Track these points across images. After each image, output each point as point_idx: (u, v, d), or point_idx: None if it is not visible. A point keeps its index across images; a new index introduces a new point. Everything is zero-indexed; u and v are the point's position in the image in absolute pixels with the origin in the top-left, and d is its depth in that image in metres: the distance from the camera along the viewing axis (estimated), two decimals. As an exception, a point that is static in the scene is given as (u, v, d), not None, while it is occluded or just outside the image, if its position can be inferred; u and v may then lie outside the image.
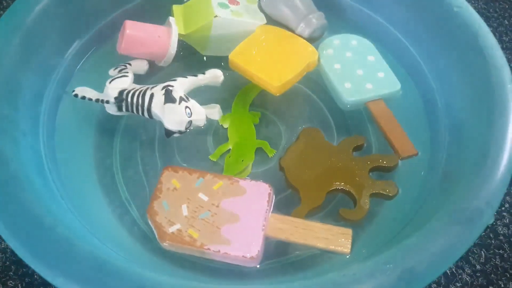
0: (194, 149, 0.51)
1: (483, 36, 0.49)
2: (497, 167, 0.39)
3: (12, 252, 0.48)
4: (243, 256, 0.40)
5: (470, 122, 0.47)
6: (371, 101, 0.52)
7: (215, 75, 0.53)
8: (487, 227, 0.52)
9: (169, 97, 0.46)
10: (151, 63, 0.55)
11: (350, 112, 0.54)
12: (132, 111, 0.49)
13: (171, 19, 0.54)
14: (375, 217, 0.46)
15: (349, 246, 0.41)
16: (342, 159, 0.48)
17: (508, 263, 0.50)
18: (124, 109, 0.49)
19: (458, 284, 0.49)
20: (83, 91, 0.49)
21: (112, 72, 0.51)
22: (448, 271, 0.49)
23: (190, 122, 0.48)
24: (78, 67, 0.56)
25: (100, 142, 0.51)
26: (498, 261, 0.50)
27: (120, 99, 0.48)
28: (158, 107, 0.47)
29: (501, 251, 0.51)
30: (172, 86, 0.48)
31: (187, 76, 0.51)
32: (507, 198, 0.54)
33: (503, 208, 0.54)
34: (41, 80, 0.51)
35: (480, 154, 0.41)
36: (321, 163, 0.48)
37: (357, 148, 0.50)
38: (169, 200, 0.43)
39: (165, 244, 0.41)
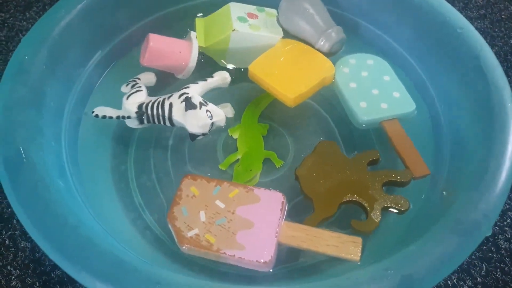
0: (204, 158, 0.53)
1: (485, 56, 0.51)
2: (496, 181, 0.41)
3: (31, 251, 0.50)
4: (257, 261, 0.42)
5: (471, 138, 0.48)
6: (386, 121, 0.53)
7: (223, 77, 0.56)
8: (489, 240, 0.53)
9: (190, 104, 0.49)
10: (158, 75, 0.57)
11: (357, 129, 0.55)
12: (154, 122, 0.51)
13: (192, 33, 0.57)
14: (380, 227, 0.48)
15: (359, 253, 0.42)
16: (357, 172, 0.49)
17: (509, 276, 0.51)
18: (145, 121, 0.51)
19: (459, 296, 0.49)
20: (102, 110, 0.51)
21: (124, 88, 0.54)
22: (449, 283, 0.50)
23: (212, 124, 0.50)
24: (99, 78, 0.59)
25: (117, 150, 0.54)
26: (499, 275, 0.51)
27: (140, 113, 0.50)
28: (179, 115, 0.50)
29: (502, 265, 0.51)
30: (188, 93, 0.51)
31: (198, 82, 0.54)
32: (509, 213, 0.55)
33: (505, 223, 0.55)
34: (65, 89, 0.54)
35: (480, 169, 0.43)
36: (336, 175, 0.49)
37: (372, 163, 0.51)
38: (188, 206, 0.46)
39: (184, 248, 0.44)
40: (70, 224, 0.39)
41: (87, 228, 0.39)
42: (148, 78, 0.56)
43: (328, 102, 0.58)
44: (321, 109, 0.58)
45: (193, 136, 0.50)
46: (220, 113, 0.52)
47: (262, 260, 0.42)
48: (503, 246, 0.53)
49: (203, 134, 0.51)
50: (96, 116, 0.51)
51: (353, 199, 0.47)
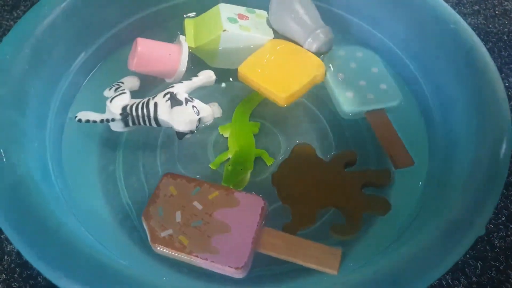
0: (194, 158, 0.52)
1: (477, 52, 0.50)
2: (489, 181, 0.40)
3: (17, 254, 0.49)
4: (229, 266, 0.41)
5: (464, 135, 0.47)
6: (371, 112, 0.52)
7: (208, 75, 0.55)
8: (483, 239, 0.52)
9: (175, 101, 0.48)
10: (143, 79, 0.56)
11: (348, 124, 0.55)
12: (139, 123, 0.50)
13: (181, 37, 0.56)
14: (371, 228, 0.47)
15: (337, 266, 0.41)
16: (334, 175, 0.48)
17: (504, 275, 0.50)
18: (130, 123, 0.50)
19: (453, 296, 0.49)
20: (85, 115, 0.50)
21: (107, 93, 0.52)
22: (444, 282, 0.49)
23: (199, 120, 0.49)
24: (84, 79, 0.58)
25: (104, 151, 0.53)
26: (494, 273, 0.50)
27: (125, 114, 0.49)
28: (165, 114, 0.49)
29: (497, 264, 0.51)
30: (173, 91, 0.50)
31: (183, 81, 0.53)
32: (504, 211, 0.55)
33: (499, 221, 0.54)
34: (49, 89, 0.52)
35: (473, 167, 0.42)
36: (313, 180, 0.48)
37: (350, 163, 0.50)
38: (164, 206, 0.45)
39: (156, 248, 0.43)
40: (51, 228, 0.38)
41: (69, 232, 0.38)
42: (131, 82, 0.54)
43: (319, 99, 0.57)
44: (313, 107, 0.57)
45: (180, 135, 0.49)
46: (207, 109, 0.51)
47: (234, 266, 0.41)
48: (498, 245, 0.52)
49: (191, 132, 0.50)
50: (79, 120, 0.50)
51: (332, 205, 0.46)
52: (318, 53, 0.57)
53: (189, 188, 0.46)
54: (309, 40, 0.57)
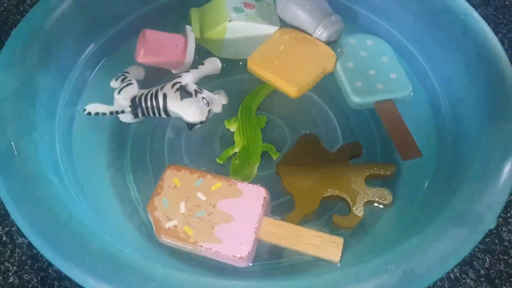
0: (201, 152, 0.53)
1: (489, 43, 0.49)
2: (500, 172, 0.40)
3: (28, 247, 0.50)
4: (233, 255, 0.41)
5: (474, 128, 0.47)
6: (380, 102, 0.52)
7: (214, 63, 0.55)
8: (492, 232, 0.52)
9: (185, 93, 0.49)
10: (148, 69, 0.56)
11: (356, 116, 0.54)
12: (149, 114, 0.51)
13: (187, 27, 0.55)
14: (379, 220, 0.47)
15: (339, 254, 0.42)
16: (338, 166, 0.48)
17: (513, 268, 0.50)
18: (140, 114, 0.51)
19: (461, 289, 0.49)
20: (94, 108, 0.50)
21: (114, 83, 0.52)
22: (452, 276, 0.49)
23: (209, 111, 0.50)
24: (92, 71, 0.58)
25: (112, 145, 0.53)
26: (502, 267, 0.50)
27: (134, 106, 0.50)
28: (175, 105, 0.49)
29: (506, 257, 0.51)
30: (181, 82, 0.50)
31: (189, 70, 0.53)
32: (514, 205, 0.55)
33: (508, 215, 0.54)
34: (57, 82, 0.53)
35: (483, 159, 0.42)
36: (317, 170, 0.48)
37: (355, 156, 0.50)
38: (169, 197, 0.45)
39: (162, 239, 0.43)
40: (63, 219, 0.38)
41: (80, 224, 0.39)
42: (136, 72, 0.54)
43: (326, 91, 0.57)
44: (319, 99, 0.57)
45: (191, 125, 0.50)
46: (216, 99, 0.52)
47: (238, 255, 0.41)
48: (507, 238, 0.52)
49: (201, 122, 0.50)
50: (89, 113, 0.50)
51: (334, 193, 0.47)
52: (327, 43, 0.56)
53: (193, 180, 0.46)
54: (319, 28, 0.56)
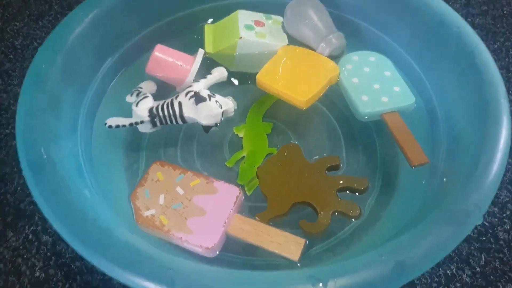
0: (212, 156, 0.56)
1: (480, 53, 0.52)
2: (487, 173, 0.43)
3: (52, 244, 0.53)
4: (200, 245, 0.45)
5: (466, 132, 0.50)
6: (386, 113, 0.54)
7: (221, 72, 0.58)
8: (488, 231, 0.54)
9: (199, 98, 0.52)
10: (160, 85, 0.59)
11: (358, 125, 0.57)
12: (166, 123, 0.54)
13: (200, 51, 0.58)
14: (378, 221, 0.50)
15: (299, 254, 0.44)
16: (314, 176, 0.51)
17: (508, 266, 0.52)
18: (158, 123, 0.54)
19: (458, 284, 0.51)
20: (114, 121, 0.54)
21: (129, 98, 0.56)
22: (448, 272, 0.51)
23: (222, 113, 0.53)
24: (108, 84, 0.62)
25: (129, 151, 0.56)
26: (497, 264, 0.52)
27: (153, 116, 0.53)
28: (190, 111, 0.52)
29: (501, 255, 0.53)
30: (194, 90, 0.53)
31: (199, 80, 0.56)
32: (509, 205, 0.57)
33: (504, 215, 0.56)
34: (78, 95, 0.57)
35: (472, 161, 0.45)
36: (293, 177, 0.51)
37: (332, 168, 0.53)
38: (150, 189, 0.49)
39: (140, 226, 0.47)
40: (90, 217, 0.42)
41: (105, 221, 0.42)
42: (149, 87, 0.58)
43: (330, 100, 0.60)
44: (324, 108, 0.60)
45: (207, 128, 0.53)
46: (228, 102, 0.55)
47: (204, 246, 0.45)
48: (502, 237, 0.54)
49: (216, 125, 0.53)
50: (110, 127, 0.53)
51: (305, 200, 0.49)
52: (331, 57, 0.59)
53: (174, 175, 0.50)
54: (322, 44, 0.59)
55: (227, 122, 0.57)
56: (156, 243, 0.47)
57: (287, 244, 0.45)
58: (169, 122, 0.54)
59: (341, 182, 0.50)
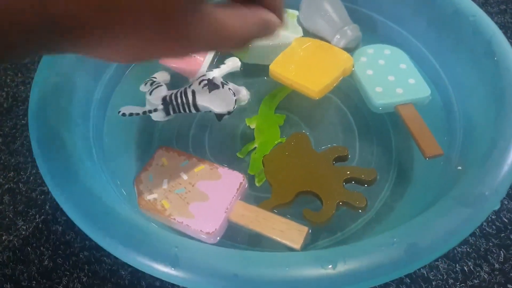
0: (224, 147, 0.56)
1: (496, 41, 0.51)
2: (504, 157, 0.41)
3: (61, 234, 0.53)
4: (201, 230, 0.44)
5: (482, 122, 0.49)
6: (401, 105, 0.54)
7: (234, 61, 0.58)
8: (507, 227, 0.52)
9: (213, 85, 0.52)
10: (174, 76, 0.59)
11: (373, 117, 0.56)
12: (179, 111, 0.54)
13: None
14: (392, 212, 0.49)
15: (301, 242, 0.43)
16: (321, 166, 0.50)
17: (529, 263, 0.50)
18: (171, 111, 0.54)
19: (475, 281, 0.49)
20: (128, 109, 0.54)
21: (143, 88, 0.56)
22: (466, 269, 0.50)
23: (236, 101, 0.53)
24: (123, 73, 0.62)
25: (141, 140, 0.57)
26: (517, 261, 0.50)
27: (166, 104, 0.53)
28: (204, 99, 0.52)
29: (521, 252, 0.51)
30: (207, 78, 0.53)
31: (213, 70, 0.56)
32: (529, 202, 0.55)
33: (525, 211, 0.54)
34: (93, 81, 0.57)
35: (489, 148, 0.43)
36: (299, 166, 0.50)
37: (340, 159, 0.52)
38: (155, 173, 0.49)
39: (141, 209, 0.47)
40: (96, 194, 0.42)
41: (111, 200, 0.42)
42: (163, 76, 0.58)
43: (344, 93, 0.59)
44: (337, 99, 0.59)
45: (219, 116, 0.53)
46: (241, 90, 0.55)
47: (205, 231, 0.44)
48: (522, 234, 0.52)
49: (229, 113, 0.53)
50: (123, 115, 0.53)
51: (310, 189, 0.48)
52: (346, 50, 0.59)
53: (179, 160, 0.51)
54: (337, 36, 0.59)
55: (239, 113, 0.57)
56: (161, 225, 0.47)
57: (289, 232, 0.44)
58: (182, 111, 0.54)
59: (348, 172, 0.49)
